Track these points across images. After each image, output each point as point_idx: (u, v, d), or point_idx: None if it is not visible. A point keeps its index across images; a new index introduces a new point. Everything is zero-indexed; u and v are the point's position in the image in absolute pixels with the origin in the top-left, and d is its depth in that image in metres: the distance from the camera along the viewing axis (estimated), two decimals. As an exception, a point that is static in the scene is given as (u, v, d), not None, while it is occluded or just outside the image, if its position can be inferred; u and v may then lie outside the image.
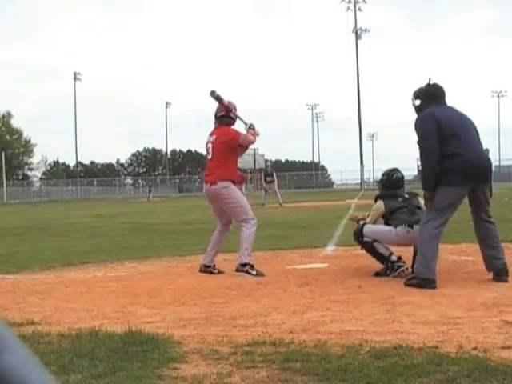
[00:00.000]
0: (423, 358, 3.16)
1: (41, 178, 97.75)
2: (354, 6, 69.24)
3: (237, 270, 6.45)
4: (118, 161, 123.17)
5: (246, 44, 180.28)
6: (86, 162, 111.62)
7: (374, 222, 6.35)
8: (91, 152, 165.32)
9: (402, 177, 6.59)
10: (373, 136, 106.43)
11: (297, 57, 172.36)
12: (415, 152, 5.79)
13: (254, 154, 36.15)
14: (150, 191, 54.58)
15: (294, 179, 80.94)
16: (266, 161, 38.98)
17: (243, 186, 22.80)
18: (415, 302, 4.69)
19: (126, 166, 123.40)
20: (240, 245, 6.51)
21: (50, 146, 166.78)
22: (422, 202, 6.02)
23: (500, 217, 9.49)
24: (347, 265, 6.98)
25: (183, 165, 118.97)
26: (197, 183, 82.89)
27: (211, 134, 6.83)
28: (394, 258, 6.09)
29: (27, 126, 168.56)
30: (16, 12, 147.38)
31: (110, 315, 4.56)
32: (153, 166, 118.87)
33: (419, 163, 6.37)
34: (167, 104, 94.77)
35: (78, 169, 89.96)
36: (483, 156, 5.82)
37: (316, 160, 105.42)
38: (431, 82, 5.86)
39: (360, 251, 6.57)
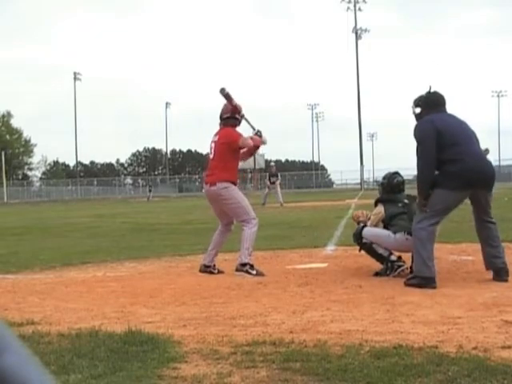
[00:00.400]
0: (423, 358, 3.16)
1: (41, 178, 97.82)
2: (354, 6, 69.32)
3: (237, 270, 6.45)
4: (117, 161, 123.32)
5: (246, 44, 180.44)
6: (86, 161, 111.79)
7: (374, 226, 6.36)
8: (91, 152, 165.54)
9: (403, 181, 6.60)
10: (373, 136, 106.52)
11: (297, 57, 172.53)
12: (415, 152, 5.78)
13: (254, 154, 36.11)
14: (150, 191, 54.59)
15: (294, 179, 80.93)
16: (270, 161, 38.99)
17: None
18: (415, 302, 4.70)
19: (125, 165, 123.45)
20: (241, 244, 6.50)
21: (50, 145, 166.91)
22: None
23: (500, 217, 9.48)
24: (347, 265, 6.98)
25: (183, 165, 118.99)
26: (197, 183, 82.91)
27: (215, 134, 6.84)
28: (393, 257, 6.10)
29: (27, 125, 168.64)
30: (16, 12, 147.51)
31: (109, 315, 4.56)
32: (153, 166, 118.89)
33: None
34: (167, 104, 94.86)
35: (78, 169, 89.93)
36: (485, 163, 5.80)
37: (316, 160, 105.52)
38: (432, 90, 5.87)
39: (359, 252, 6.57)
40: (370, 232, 6.25)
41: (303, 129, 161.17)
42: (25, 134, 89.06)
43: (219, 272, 6.65)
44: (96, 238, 11.80)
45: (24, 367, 0.71)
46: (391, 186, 6.48)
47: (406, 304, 4.64)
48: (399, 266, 6.03)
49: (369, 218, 6.50)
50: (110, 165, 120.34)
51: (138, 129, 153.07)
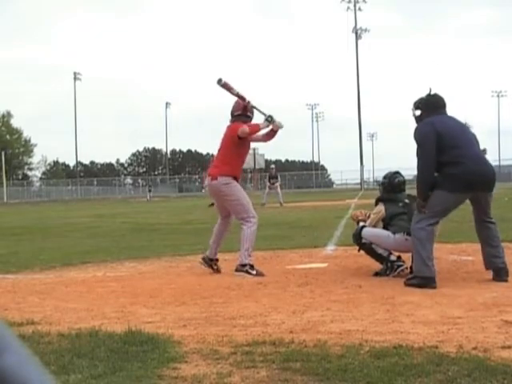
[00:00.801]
0: (423, 358, 3.16)
1: (41, 178, 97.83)
2: (354, 5, 69.30)
3: (236, 270, 6.45)
4: (117, 161, 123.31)
5: (246, 44, 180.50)
6: (86, 161, 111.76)
7: (374, 226, 6.36)
8: (91, 152, 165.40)
9: (404, 181, 6.60)
10: (373, 136, 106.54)
11: (297, 57, 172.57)
12: (415, 151, 5.77)
13: (254, 154, 36.17)
14: (149, 191, 54.59)
15: (294, 179, 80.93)
16: (270, 161, 38.99)
17: None
18: (415, 302, 4.70)
19: (125, 165, 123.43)
20: (241, 244, 6.50)
21: (50, 146, 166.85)
22: None
23: (500, 217, 9.48)
24: (347, 265, 6.98)
25: (183, 165, 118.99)
26: (197, 183, 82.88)
27: (226, 129, 6.81)
28: (393, 257, 6.10)
29: (27, 125, 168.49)
30: (16, 12, 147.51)
31: (109, 315, 4.56)
32: (153, 166, 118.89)
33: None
34: (167, 104, 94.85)
35: (78, 169, 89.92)
36: (486, 165, 5.80)
37: (316, 160, 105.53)
38: (432, 93, 5.86)
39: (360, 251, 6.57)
40: (369, 232, 6.25)
41: (303, 129, 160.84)
42: (25, 134, 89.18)
43: (217, 270, 6.65)
44: (96, 238, 11.79)
45: (24, 367, 0.71)
46: (392, 185, 6.48)
47: (405, 304, 4.64)
48: (399, 266, 6.03)
49: (368, 217, 6.50)
50: (109, 165, 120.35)
51: (138, 129, 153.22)
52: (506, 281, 5.51)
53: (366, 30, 69.19)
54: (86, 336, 3.81)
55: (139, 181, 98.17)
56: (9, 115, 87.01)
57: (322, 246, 8.88)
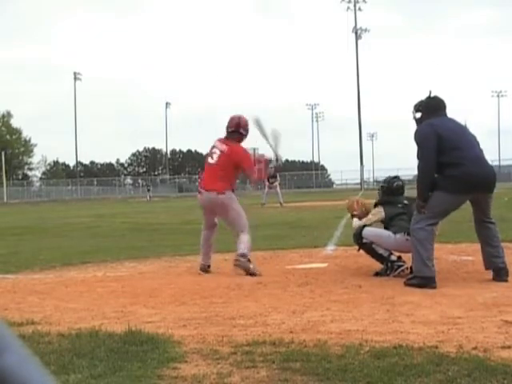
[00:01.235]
0: (423, 358, 3.16)
1: (41, 178, 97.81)
2: (354, 5, 69.29)
3: (236, 261, 6.47)
4: (117, 161, 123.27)
5: (246, 44, 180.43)
6: (86, 161, 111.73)
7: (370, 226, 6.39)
8: (91, 152, 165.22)
9: (403, 185, 6.64)
10: (373, 136, 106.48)
11: (297, 57, 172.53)
12: (415, 152, 5.78)
13: (254, 154, 36.11)
14: (148, 191, 54.55)
15: (294, 179, 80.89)
16: (270, 161, 38.90)
17: None
18: (415, 302, 4.70)
19: (125, 165, 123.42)
20: (239, 245, 6.53)
21: (50, 146, 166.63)
22: None
23: (500, 217, 9.48)
24: (347, 265, 6.98)
25: (183, 165, 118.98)
26: (196, 183, 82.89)
27: (223, 143, 6.75)
28: (393, 257, 6.11)
29: (27, 125, 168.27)
30: (16, 12, 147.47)
31: (109, 315, 4.56)
32: (153, 166, 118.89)
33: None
34: (167, 104, 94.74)
35: (78, 169, 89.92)
36: (486, 167, 5.81)
37: (316, 160, 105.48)
38: (432, 95, 5.86)
39: (360, 251, 6.57)
40: (370, 232, 6.26)
41: (303, 129, 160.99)
42: (25, 134, 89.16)
43: (207, 272, 6.72)
44: (96, 238, 11.79)
45: (24, 367, 0.71)
46: (391, 189, 6.53)
47: (405, 304, 4.64)
48: (399, 266, 6.04)
49: (366, 213, 6.50)
50: (109, 165, 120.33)
51: (137, 129, 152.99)
52: (506, 281, 5.51)
53: (365, 30, 69.21)
54: (86, 336, 3.81)
55: (139, 181, 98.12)
56: (9, 115, 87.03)
57: (322, 245, 8.88)
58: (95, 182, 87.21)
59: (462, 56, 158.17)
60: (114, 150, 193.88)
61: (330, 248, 8.70)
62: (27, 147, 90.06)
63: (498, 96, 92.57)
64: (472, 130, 5.94)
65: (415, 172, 5.79)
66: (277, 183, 27.01)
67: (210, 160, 6.74)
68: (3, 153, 61.89)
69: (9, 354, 0.71)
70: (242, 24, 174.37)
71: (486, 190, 5.67)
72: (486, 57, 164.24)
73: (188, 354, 3.39)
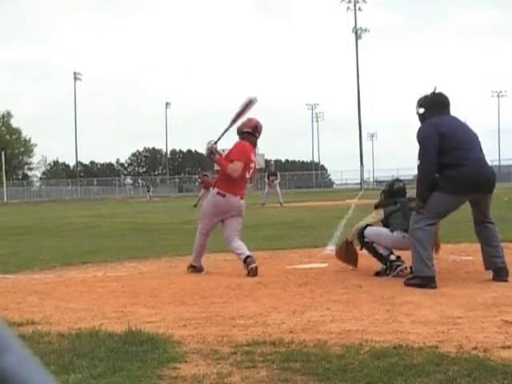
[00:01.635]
0: (423, 358, 3.16)
1: (41, 178, 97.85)
2: (354, 5, 69.27)
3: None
4: (117, 161, 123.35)
5: (246, 44, 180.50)
6: (86, 161, 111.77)
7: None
8: (91, 152, 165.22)
9: (404, 187, 6.66)
10: (373, 136, 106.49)
11: (297, 57, 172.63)
12: (415, 152, 5.77)
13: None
14: (148, 191, 54.50)
15: (294, 179, 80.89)
16: (269, 160, 38.86)
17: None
18: (415, 302, 4.70)
19: (125, 165, 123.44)
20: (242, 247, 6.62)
21: (50, 146, 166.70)
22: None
23: (500, 217, 9.49)
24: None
25: (183, 165, 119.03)
26: (196, 183, 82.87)
27: (254, 153, 6.87)
28: (393, 257, 6.13)
29: (27, 125, 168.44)
30: (16, 12, 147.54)
31: (109, 315, 4.56)
32: (153, 166, 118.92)
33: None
34: (167, 104, 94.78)
35: (78, 169, 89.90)
36: (487, 167, 5.80)
37: (316, 160, 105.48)
38: (437, 91, 5.83)
39: (360, 251, 6.57)
40: (371, 231, 6.32)
41: (303, 129, 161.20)
42: (24, 134, 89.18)
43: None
44: (96, 238, 11.79)
45: (24, 367, 0.71)
46: (392, 192, 6.58)
47: (405, 304, 4.64)
48: (398, 266, 6.05)
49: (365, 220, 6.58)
50: (109, 165, 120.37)
51: (137, 129, 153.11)
52: (506, 281, 5.51)
53: (366, 30, 69.18)
54: (86, 336, 3.81)
55: (139, 181, 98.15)
56: (9, 115, 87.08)
57: (322, 245, 8.88)
58: (95, 182, 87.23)
59: (462, 56, 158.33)
60: (114, 149, 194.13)
61: (330, 248, 8.69)
62: (27, 147, 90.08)
63: (498, 96, 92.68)
64: (472, 129, 5.93)
65: (415, 172, 5.78)
66: (276, 182, 26.88)
67: (247, 174, 6.79)
68: (3, 153, 61.89)
69: (9, 354, 0.71)
70: (242, 24, 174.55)
71: (486, 191, 5.67)
72: (485, 57, 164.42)
73: (188, 354, 3.39)
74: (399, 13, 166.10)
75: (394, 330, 3.83)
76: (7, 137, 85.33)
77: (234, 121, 6.77)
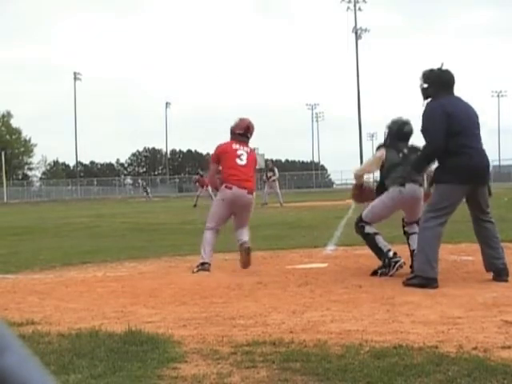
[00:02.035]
0: (423, 358, 3.16)
1: (41, 178, 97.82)
2: (354, 5, 69.20)
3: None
4: (117, 161, 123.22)
5: (246, 44, 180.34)
6: (86, 161, 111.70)
7: (368, 171, 6.29)
8: (91, 152, 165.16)
9: (412, 132, 6.38)
10: (373, 136, 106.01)
11: (297, 57, 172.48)
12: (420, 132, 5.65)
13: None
14: (145, 191, 54.16)
15: (294, 179, 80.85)
16: (266, 160, 38.77)
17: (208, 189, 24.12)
18: (415, 302, 4.69)
19: (125, 165, 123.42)
20: (245, 234, 6.92)
21: (50, 146, 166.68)
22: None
23: (500, 217, 9.49)
24: (347, 265, 6.98)
25: (183, 165, 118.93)
26: (197, 183, 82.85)
27: (242, 145, 6.98)
28: (390, 254, 6.08)
29: (27, 125, 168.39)
30: (16, 12, 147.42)
31: (109, 315, 4.56)
32: (153, 166, 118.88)
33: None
34: (167, 104, 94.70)
35: (78, 169, 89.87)
36: (486, 158, 5.74)
37: (316, 160, 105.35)
38: (444, 68, 5.67)
39: (360, 251, 6.58)
40: (368, 212, 6.24)
41: (303, 129, 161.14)
42: (25, 134, 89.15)
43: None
44: (96, 238, 11.79)
45: (24, 367, 0.72)
46: (399, 133, 6.28)
47: (405, 304, 4.64)
48: (396, 262, 6.01)
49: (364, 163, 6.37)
50: (109, 165, 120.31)
51: (137, 129, 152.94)
52: (507, 281, 5.50)
53: (366, 30, 69.10)
54: (86, 336, 3.81)
55: (139, 181, 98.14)
56: (9, 115, 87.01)
57: (322, 245, 8.88)
58: (95, 182, 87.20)
59: (462, 56, 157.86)
60: (114, 149, 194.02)
61: (330, 248, 8.70)
62: (27, 147, 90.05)
63: (498, 96, 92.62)
64: (474, 110, 5.79)
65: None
66: (275, 178, 26.63)
67: (239, 161, 6.87)
68: (3, 153, 61.89)
69: (9, 354, 0.71)
70: (242, 24, 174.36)
71: (483, 179, 5.59)
72: (486, 57, 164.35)
73: (188, 353, 3.39)
74: (399, 13, 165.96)
75: (394, 329, 3.83)
76: (7, 137, 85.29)
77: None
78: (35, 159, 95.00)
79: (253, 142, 7.28)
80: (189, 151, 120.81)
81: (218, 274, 6.65)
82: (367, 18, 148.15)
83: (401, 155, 6.18)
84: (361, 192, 6.62)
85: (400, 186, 5.89)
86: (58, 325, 4.23)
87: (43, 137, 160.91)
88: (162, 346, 3.53)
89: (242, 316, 4.37)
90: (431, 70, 5.69)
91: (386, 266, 6.06)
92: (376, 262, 6.26)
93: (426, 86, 5.68)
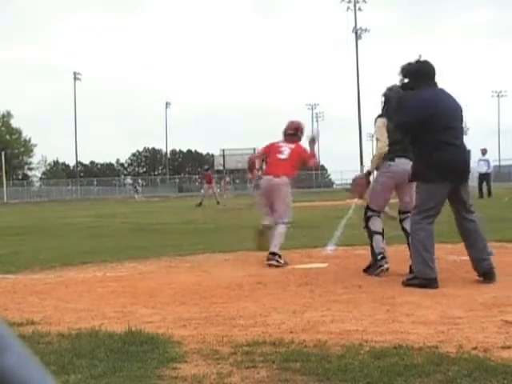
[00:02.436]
0: (423, 358, 3.16)
1: (41, 178, 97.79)
2: (354, 5, 69.24)
3: (268, 259, 7.02)
4: (117, 161, 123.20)
5: (246, 44, 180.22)
6: (86, 161, 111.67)
7: (386, 138, 5.99)
8: (91, 152, 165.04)
9: None
10: (373, 136, 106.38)
11: (297, 57, 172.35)
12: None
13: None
14: (136, 191, 53.43)
15: (294, 179, 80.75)
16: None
17: (213, 186, 23.96)
18: (415, 302, 4.69)
19: (125, 165, 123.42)
20: (274, 238, 7.20)
21: (50, 146, 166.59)
22: None
23: (500, 217, 9.48)
24: (347, 265, 6.98)
25: (183, 165, 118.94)
26: (196, 183, 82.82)
27: (288, 142, 7.66)
28: (379, 256, 6.12)
29: (27, 125, 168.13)
30: (16, 12, 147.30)
31: (109, 315, 4.56)
32: (153, 166, 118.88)
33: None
34: (167, 104, 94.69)
35: (78, 169, 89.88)
36: (465, 150, 5.64)
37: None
38: (422, 59, 5.57)
39: (360, 251, 6.59)
40: (370, 198, 6.27)
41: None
42: (24, 134, 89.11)
43: (285, 263, 7.05)
44: (96, 238, 11.79)
45: (24, 367, 0.71)
46: (400, 105, 5.92)
47: (405, 304, 4.64)
48: (380, 266, 6.06)
49: (377, 139, 6.17)
50: (109, 165, 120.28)
51: (137, 129, 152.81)
52: (494, 281, 5.41)
53: (365, 30, 69.18)
54: (86, 336, 3.81)
55: (139, 181, 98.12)
56: (9, 115, 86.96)
57: (322, 245, 8.88)
58: (95, 182, 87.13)
59: (462, 56, 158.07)
60: (114, 150, 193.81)
61: (330, 248, 8.69)
62: (27, 147, 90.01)
63: (498, 96, 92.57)
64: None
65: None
66: None
67: (280, 156, 7.52)
68: (3, 153, 61.83)
69: (9, 354, 0.71)
70: (242, 24, 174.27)
71: (465, 177, 5.54)
72: (486, 57, 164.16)
73: (188, 354, 3.40)
74: (399, 13, 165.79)
75: (394, 330, 3.83)
76: (7, 137, 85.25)
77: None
78: (35, 159, 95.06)
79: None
80: (189, 151, 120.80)
81: (218, 274, 6.65)
82: (367, 18, 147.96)
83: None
84: (367, 181, 6.46)
85: (389, 161, 5.85)
86: (58, 325, 4.23)
87: (43, 137, 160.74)
88: (161, 346, 3.53)
89: (241, 316, 4.37)
90: (409, 64, 5.55)
91: (373, 265, 6.12)
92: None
93: (406, 80, 5.58)
